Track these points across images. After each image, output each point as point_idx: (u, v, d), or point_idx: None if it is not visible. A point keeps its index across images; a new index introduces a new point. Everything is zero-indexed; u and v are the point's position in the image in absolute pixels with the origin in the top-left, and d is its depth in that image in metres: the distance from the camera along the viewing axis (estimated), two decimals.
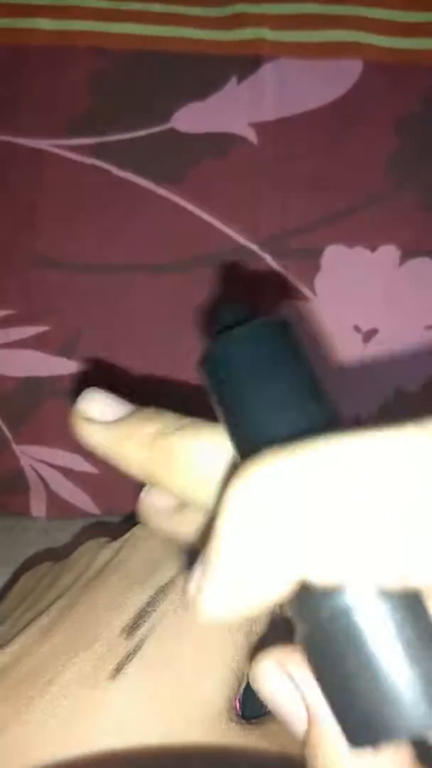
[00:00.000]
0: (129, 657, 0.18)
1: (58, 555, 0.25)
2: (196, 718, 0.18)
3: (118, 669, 0.18)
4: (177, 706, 0.18)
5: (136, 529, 0.23)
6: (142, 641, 0.19)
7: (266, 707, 0.23)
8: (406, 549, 0.12)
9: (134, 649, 0.19)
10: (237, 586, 0.13)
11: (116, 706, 0.18)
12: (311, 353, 0.16)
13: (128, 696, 0.18)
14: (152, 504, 0.18)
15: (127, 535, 0.23)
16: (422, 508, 0.11)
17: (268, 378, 0.15)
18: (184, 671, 0.18)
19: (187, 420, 0.16)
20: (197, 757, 0.17)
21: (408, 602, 0.13)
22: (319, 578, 0.12)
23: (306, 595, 0.13)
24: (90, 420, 0.17)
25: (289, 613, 0.14)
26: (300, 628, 0.14)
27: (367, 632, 0.13)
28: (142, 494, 0.18)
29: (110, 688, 0.18)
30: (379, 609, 0.13)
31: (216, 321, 0.17)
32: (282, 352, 0.15)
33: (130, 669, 0.18)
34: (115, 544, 0.23)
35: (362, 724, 0.13)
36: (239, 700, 0.20)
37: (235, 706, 0.19)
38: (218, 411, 0.16)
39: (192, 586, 0.13)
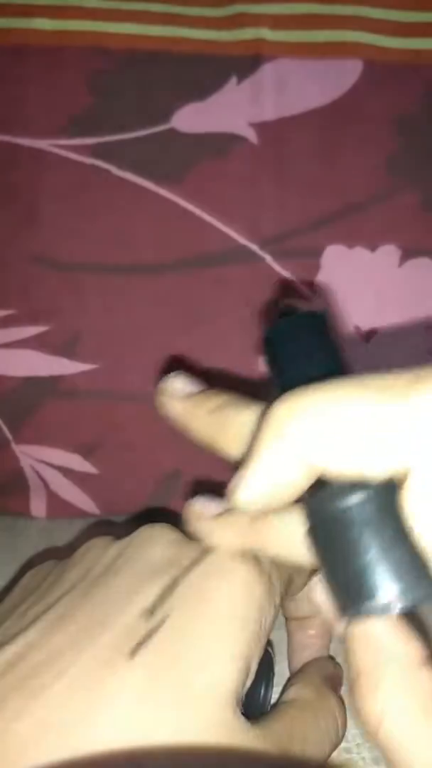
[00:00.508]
0: (150, 634, 0.18)
1: (59, 554, 0.25)
2: (204, 699, 0.18)
3: (139, 646, 0.18)
4: (187, 686, 0.18)
5: (142, 529, 0.23)
6: (162, 620, 0.19)
7: (266, 706, 0.23)
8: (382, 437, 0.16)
9: (155, 627, 0.19)
10: (267, 475, 0.18)
11: (131, 686, 0.18)
12: (340, 339, 0.22)
13: (148, 670, 0.18)
14: (197, 511, 0.22)
15: (134, 534, 0.23)
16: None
17: (309, 348, 0.21)
18: (200, 650, 0.19)
19: (240, 398, 0.21)
20: (203, 759, 0.17)
21: (389, 500, 0.17)
22: (327, 472, 0.17)
23: (317, 491, 0.18)
24: (169, 395, 0.22)
25: (303, 508, 0.19)
26: (310, 520, 0.18)
27: (362, 520, 0.17)
28: (189, 502, 0.23)
29: (130, 665, 0.18)
30: (371, 503, 0.17)
31: (276, 313, 0.23)
32: (320, 334, 0.22)
33: (151, 645, 0.18)
34: (123, 542, 0.23)
35: (353, 594, 0.17)
36: (242, 702, 0.20)
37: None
38: (272, 373, 0.22)
39: (232, 481, 0.18)
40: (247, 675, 0.19)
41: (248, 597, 0.20)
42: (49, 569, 0.25)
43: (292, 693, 0.22)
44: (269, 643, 0.24)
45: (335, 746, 0.22)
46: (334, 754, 0.23)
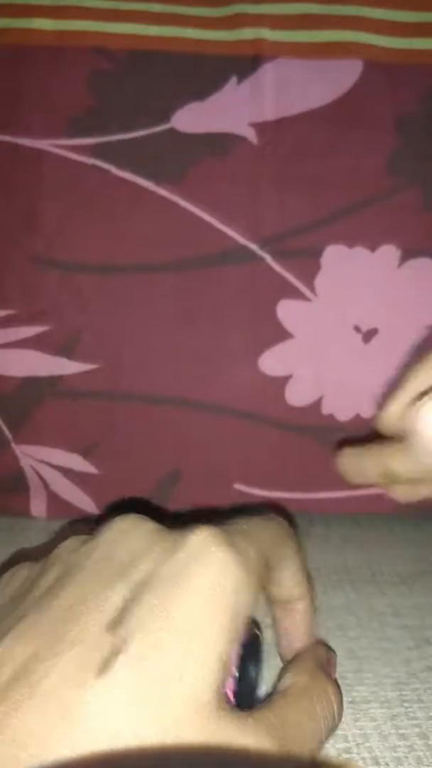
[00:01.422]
0: (114, 653, 0.18)
1: (36, 554, 0.25)
2: (185, 710, 0.18)
3: (105, 666, 0.18)
4: (165, 700, 0.18)
5: (115, 522, 0.23)
6: (126, 636, 0.19)
7: (260, 697, 0.23)
8: None
9: (120, 645, 0.18)
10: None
11: (105, 704, 0.17)
12: None
13: (116, 693, 0.18)
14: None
15: (106, 528, 0.23)
16: None
17: None
18: (170, 663, 0.18)
19: None
20: (192, 757, 0.17)
21: None
22: None
23: None
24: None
25: None
26: None
27: None
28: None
29: (97, 686, 0.18)
30: None
31: None
32: None
33: (117, 665, 0.18)
34: (96, 539, 0.23)
35: None
36: (234, 691, 0.20)
37: (228, 696, 0.19)
38: None
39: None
40: (226, 669, 0.19)
41: (221, 588, 0.20)
42: (25, 572, 0.24)
43: (286, 681, 0.22)
44: (257, 624, 0.24)
45: (332, 731, 0.22)
46: (334, 754, 0.23)
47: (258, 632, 0.24)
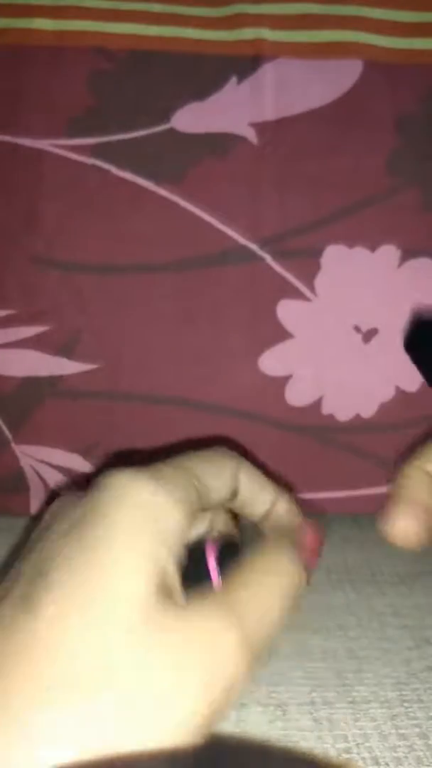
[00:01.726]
0: (37, 585, 0.19)
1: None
2: (123, 616, 0.18)
3: (31, 598, 0.18)
4: (100, 613, 0.18)
5: (43, 520, 0.23)
6: (44, 567, 0.19)
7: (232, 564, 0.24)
8: None
9: (44, 574, 0.19)
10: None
11: (45, 638, 0.18)
12: None
13: (50, 621, 0.18)
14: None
15: (33, 535, 0.23)
16: None
17: None
18: (96, 577, 0.19)
19: None
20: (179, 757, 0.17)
21: None
22: None
23: None
24: None
25: None
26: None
27: None
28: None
29: (28, 619, 0.18)
30: None
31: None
32: None
33: (44, 591, 0.18)
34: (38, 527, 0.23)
35: None
36: (216, 567, 0.22)
37: (211, 574, 0.22)
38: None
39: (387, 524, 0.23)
40: (164, 570, 0.19)
41: (140, 516, 0.20)
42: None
43: (246, 556, 0.23)
44: (240, 531, 0.25)
45: (293, 597, 0.22)
46: (334, 754, 0.22)
47: (235, 537, 0.25)
